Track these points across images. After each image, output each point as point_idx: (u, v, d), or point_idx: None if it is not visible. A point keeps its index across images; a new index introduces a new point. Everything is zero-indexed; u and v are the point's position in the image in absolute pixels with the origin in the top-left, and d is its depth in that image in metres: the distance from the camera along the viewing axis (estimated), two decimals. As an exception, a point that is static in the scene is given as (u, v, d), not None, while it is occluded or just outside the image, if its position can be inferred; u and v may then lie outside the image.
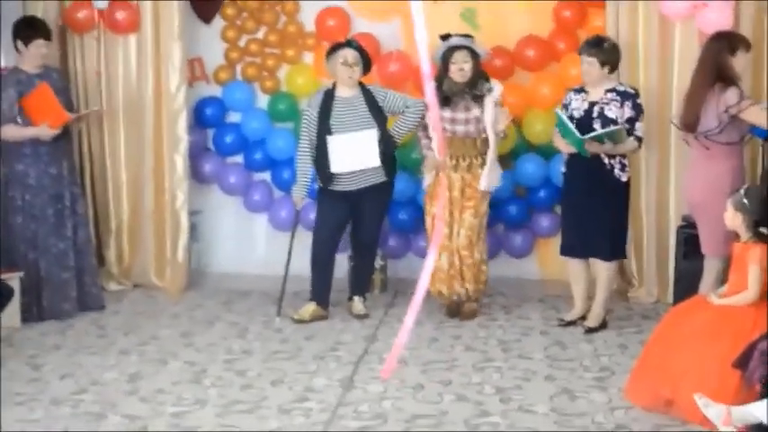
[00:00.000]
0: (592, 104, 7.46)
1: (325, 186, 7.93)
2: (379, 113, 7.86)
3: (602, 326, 7.66)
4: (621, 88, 7.51)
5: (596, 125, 7.36)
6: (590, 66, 7.47)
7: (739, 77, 7.02)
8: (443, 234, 7.54)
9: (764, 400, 5.10)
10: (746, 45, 7.13)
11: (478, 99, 7.59)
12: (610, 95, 7.44)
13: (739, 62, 7.01)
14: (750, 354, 5.49)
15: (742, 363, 5.52)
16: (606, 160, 7.45)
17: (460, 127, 7.57)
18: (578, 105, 7.54)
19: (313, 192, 8.36)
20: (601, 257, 7.65)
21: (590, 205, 7.57)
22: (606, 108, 7.39)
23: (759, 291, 5.96)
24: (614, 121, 7.34)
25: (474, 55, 7.63)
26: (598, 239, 7.60)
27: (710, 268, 7.15)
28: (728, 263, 6.42)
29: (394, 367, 6.03)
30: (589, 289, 7.85)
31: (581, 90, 7.64)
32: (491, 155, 7.62)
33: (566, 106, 7.64)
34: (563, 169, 7.89)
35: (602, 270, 7.67)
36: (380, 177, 7.91)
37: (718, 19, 7.78)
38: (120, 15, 8.62)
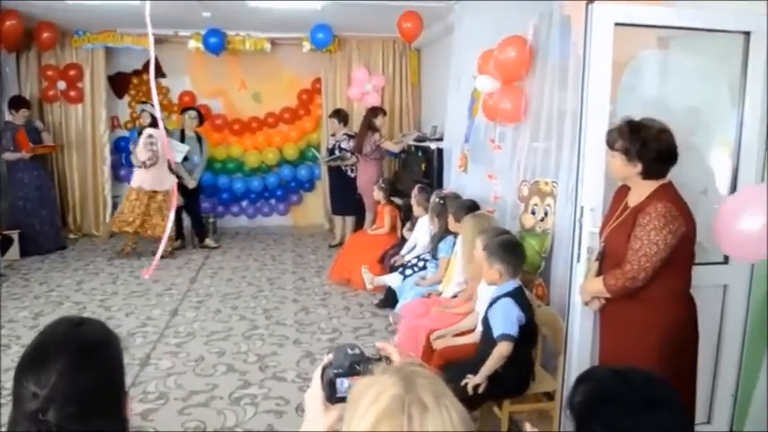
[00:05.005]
0: (337, 141, 7.52)
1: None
2: (201, 149, 7.67)
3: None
4: (349, 132, 7.54)
5: (337, 152, 7.47)
6: (336, 123, 7.56)
7: (379, 128, 7.32)
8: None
9: (393, 274, 5.38)
10: (384, 113, 7.46)
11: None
12: (343, 136, 7.50)
13: (379, 121, 7.31)
14: (384, 255, 5.90)
15: (381, 260, 5.94)
16: (343, 167, 7.53)
17: None
18: (332, 144, 7.58)
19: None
20: (350, 215, 7.67)
21: (338, 188, 7.63)
22: (341, 143, 7.47)
23: (389, 228, 6.44)
24: (346, 150, 7.42)
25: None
26: (346, 206, 7.60)
27: (368, 217, 7.38)
28: (376, 214, 6.85)
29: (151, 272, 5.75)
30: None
31: (333, 135, 7.63)
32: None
33: (330, 145, 7.67)
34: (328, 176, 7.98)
35: (349, 220, 7.68)
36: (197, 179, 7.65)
37: (373, 100, 8.17)
38: (72, 93, 8.21)
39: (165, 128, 8.27)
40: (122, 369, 1.43)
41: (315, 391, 1.34)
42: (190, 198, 7.67)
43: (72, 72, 8.21)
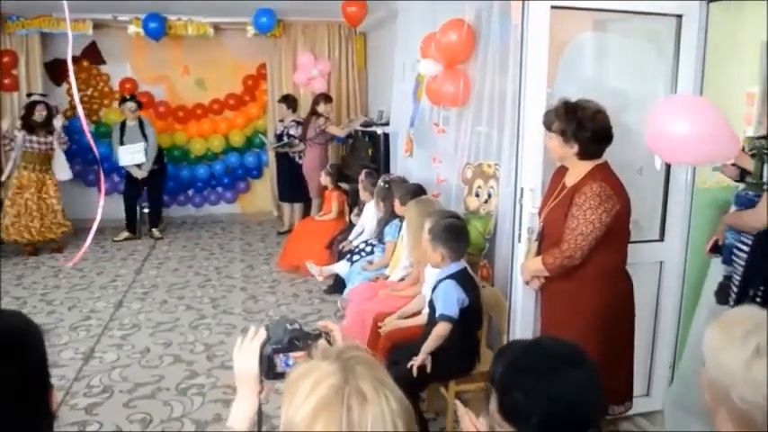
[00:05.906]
0: (285, 127, 7.43)
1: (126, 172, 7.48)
2: (145, 134, 7.42)
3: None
4: (297, 119, 7.44)
5: (285, 138, 7.38)
6: (284, 109, 7.48)
7: (323, 113, 7.13)
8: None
9: (340, 262, 5.34)
10: (327, 98, 7.30)
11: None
12: (291, 123, 7.41)
13: (321, 107, 7.15)
14: (332, 241, 5.89)
15: (329, 246, 5.91)
16: (291, 154, 7.41)
17: None
18: (281, 130, 7.48)
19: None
20: (298, 202, 7.55)
21: (286, 175, 7.49)
22: (290, 129, 7.38)
23: (336, 213, 6.40)
24: (294, 136, 7.33)
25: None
26: (294, 192, 7.48)
27: (315, 204, 7.24)
28: (323, 200, 6.79)
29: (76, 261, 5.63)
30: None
31: (281, 120, 7.58)
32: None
33: (278, 131, 7.60)
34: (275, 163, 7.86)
35: (297, 207, 7.56)
36: (149, 169, 7.47)
37: (319, 85, 8.07)
38: (7, 81, 7.84)
39: (101, 122, 8.11)
40: (45, 361, 1.36)
41: (248, 366, 1.34)
42: (152, 183, 7.60)
43: (6, 59, 7.84)
